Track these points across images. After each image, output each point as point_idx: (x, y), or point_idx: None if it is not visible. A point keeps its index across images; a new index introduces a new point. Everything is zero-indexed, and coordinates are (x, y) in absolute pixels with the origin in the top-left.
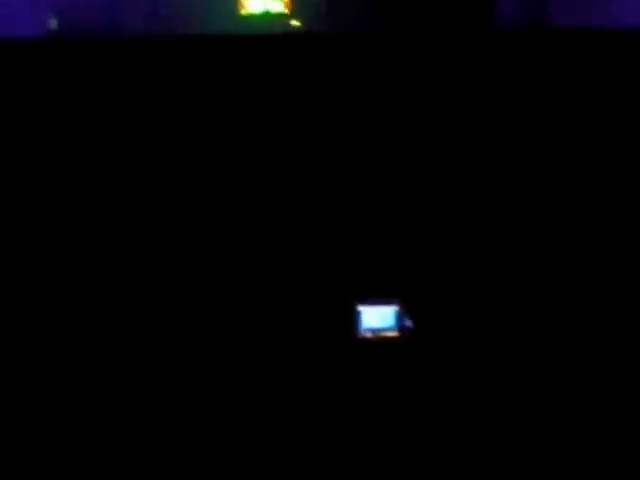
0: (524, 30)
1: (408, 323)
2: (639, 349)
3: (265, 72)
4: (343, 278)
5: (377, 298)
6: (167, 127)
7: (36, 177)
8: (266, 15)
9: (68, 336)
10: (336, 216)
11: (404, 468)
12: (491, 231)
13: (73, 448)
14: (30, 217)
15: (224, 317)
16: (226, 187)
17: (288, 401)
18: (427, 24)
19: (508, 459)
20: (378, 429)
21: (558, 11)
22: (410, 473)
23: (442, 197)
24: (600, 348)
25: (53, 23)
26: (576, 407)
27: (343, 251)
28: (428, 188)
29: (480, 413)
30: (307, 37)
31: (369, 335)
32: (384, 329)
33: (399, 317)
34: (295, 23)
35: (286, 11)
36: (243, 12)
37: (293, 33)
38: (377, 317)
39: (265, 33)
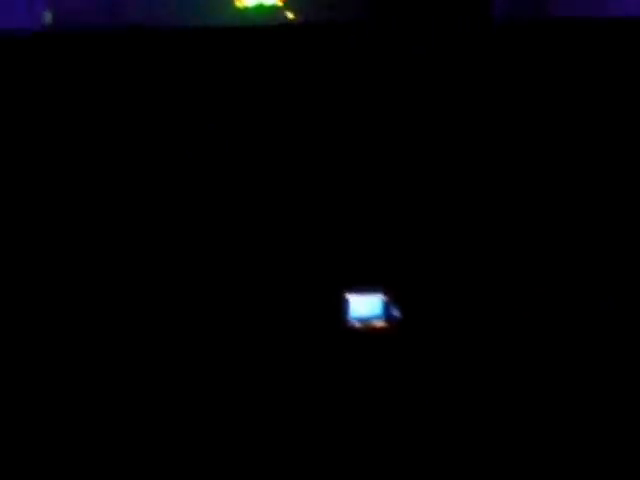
0: (522, 23)
1: (396, 312)
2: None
3: (260, 64)
4: (330, 266)
5: (365, 286)
6: (164, 120)
7: (33, 169)
8: (260, 8)
9: (67, 335)
10: (323, 205)
11: (394, 458)
12: (480, 220)
13: (73, 448)
14: (27, 205)
15: (213, 306)
16: (219, 179)
17: (277, 390)
18: (424, 16)
19: (500, 452)
20: (367, 419)
21: (556, 8)
22: (400, 462)
23: (430, 187)
24: (593, 334)
25: (48, 17)
26: (568, 396)
27: (330, 239)
28: (418, 178)
29: (470, 403)
30: (301, 28)
31: (357, 324)
32: (372, 318)
33: (387, 306)
34: (290, 15)
35: (280, 3)
36: (238, 4)
37: (287, 24)
38: (365, 306)
39: (260, 25)
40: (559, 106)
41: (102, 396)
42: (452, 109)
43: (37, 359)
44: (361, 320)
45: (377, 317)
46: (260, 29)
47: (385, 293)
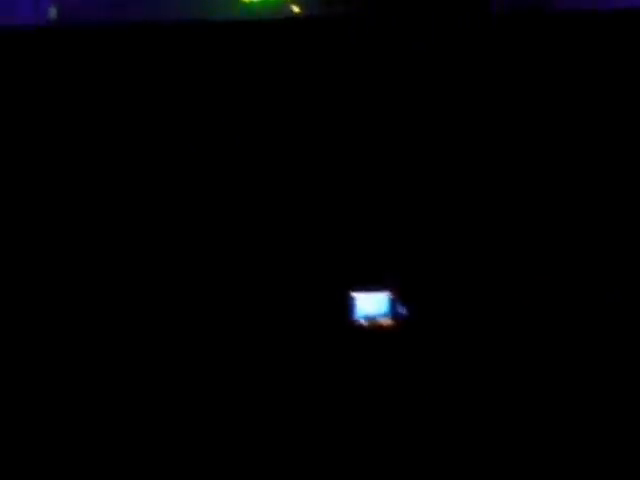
0: (522, 15)
1: (402, 309)
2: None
3: (266, 57)
4: (337, 266)
5: (371, 285)
6: (168, 113)
7: (36, 160)
8: (266, 2)
9: (67, 334)
10: (330, 204)
11: (397, 453)
12: (484, 218)
13: (73, 448)
14: (29, 192)
15: (220, 302)
16: (225, 175)
17: (284, 387)
18: (424, 11)
19: (503, 446)
20: (373, 415)
21: (561, 3)
22: (403, 457)
23: (436, 185)
24: (594, 328)
25: (53, 12)
26: (571, 386)
27: (337, 239)
28: (423, 176)
29: (475, 398)
30: (306, 22)
31: (363, 322)
32: (378, 316)
33: (393, 304)
34: (295, 9)
35: None
36: None
37: (293, 18)
38: (371, 304)
39: (265, 19)
40: (558, 100)
41: (102, 394)
42: (452, 103)
43: (37, 358)
44: (368, 318)
45: (384, 315)
46: (265, 23)
47: (391, 291)
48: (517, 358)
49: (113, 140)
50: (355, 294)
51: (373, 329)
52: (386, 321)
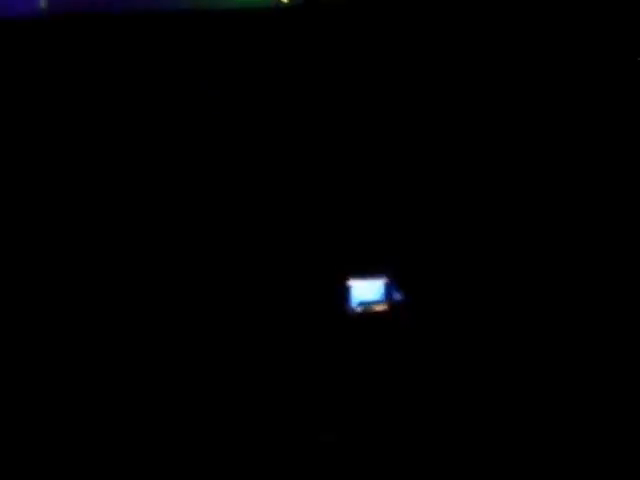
0: None
1: (397, 295)
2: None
3: (257, 47)
4: (333, 252)
5: (366, 272)
6: (161, 103)
7: (28, 151)
8: None
9: (67, 334)
10: (325, 192)
11: (395, 437)
12: (479, 205)
13: (73, 447)
14: (27, 182)
15: (219, 291)
16: (221, 162)
17: (281, 374)
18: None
19: (500, 434)
20: (370, 401)
21: None
22: (399, 444)
23: (430, 172)
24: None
25: (43, 1)
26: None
27: (333, 226)
28: (418, 163)
29: (470, 383)
30: (296, 11)
31: (359, 308)
32: (374, 302)
33: (388, 290)
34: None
35: None
36: None
37: (283, 8)
38: (367, 290)
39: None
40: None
41: (102, 394)
42: (448, 93)
43: (37, 358)
44: (363, 304)
45: (379, 301)
46: (256, 12)
47: (387, 277)
48: (513, 344)
49: (107, 130)
50: (351, 281)
51: (368, 315)
52: (381, 307)
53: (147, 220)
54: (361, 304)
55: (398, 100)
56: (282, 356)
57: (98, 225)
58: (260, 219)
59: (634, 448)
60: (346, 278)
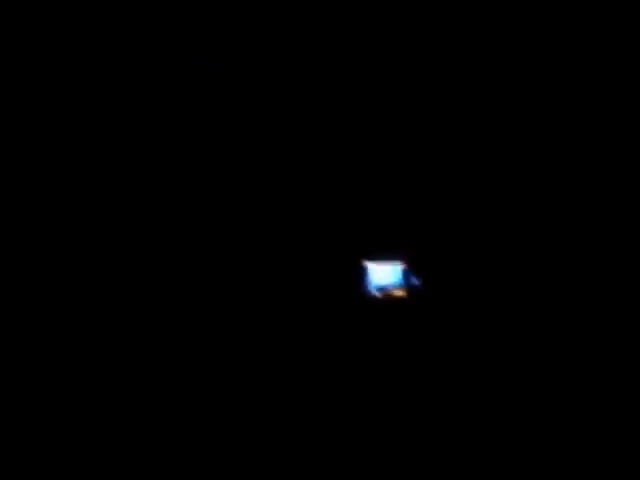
0: None
1: (415, 280)
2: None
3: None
4: (351, 237)
5: (384, 255)
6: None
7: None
8: None
9: (66, 333)
10: (343, 176)
11: (406, 418)
12: (496, 193)
13: (73, 447)
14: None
15: (238, 275)
16: (235, 148)
17: (298, 355)
18: None
19: (517, 418)
20: (384, 383)
21: None
22: (413, 423)
23: (450, 158)
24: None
25: None
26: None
27: (351, 211)
28: (437, 150)
29: (486, 369)
30: None
31: (377, 292)
32: (391, 286)
33: (406, 275)
34: None
35: None
36: None
37: None
38: (384, 274)
39: None
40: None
41: (101, 393)
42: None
43: (37, 357)
44: (381, 289)
45: (396, 285)
46: None
47: (404, 262)
48: (529, 326)
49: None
50: (368, 264)
51: (386, 299)
52: (398, 291)
53: (149, 200)
54: (379, 289)
55: (418, 87)
56: (299, 337)
57: (87, 212)
58: (279, 204)
59: (634, 447)
60: (364, 262)
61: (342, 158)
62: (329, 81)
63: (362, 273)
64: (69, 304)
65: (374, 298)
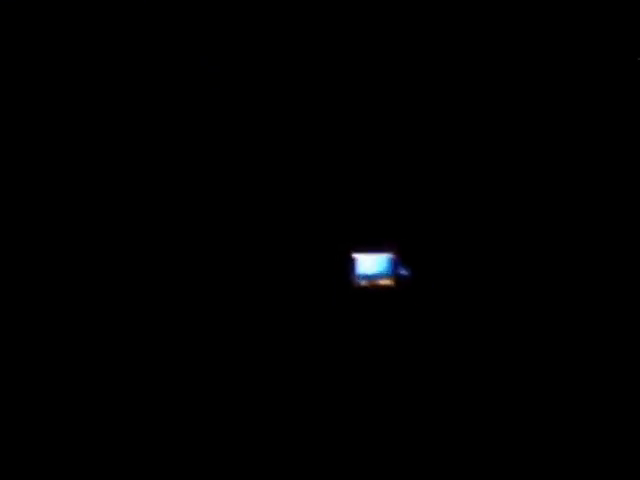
0: None
1: (403, 270)
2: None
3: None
4: (339, 227)
5: (372, 245)
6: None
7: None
8: None
9: (67, 335)
10: (332, 167)
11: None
12: (486, 182)
13: (73, 447)
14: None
15: (227, 266)
16: (235, 148)
17: (288, 345)
18: None
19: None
20: (374, 374)
21: None
22: (402, 413)
23: (438, 149)
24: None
25: None
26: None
27: (339, 201)
28: (426, 141)
29: (473, 358)
30: None
31: (364, 282)
32: (379, 276)
33: (393, 264)
34: None
35: None
36: None
37: None
38: (372, 264)
39: None
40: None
41: (102, 394)
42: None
43: (37, 358)
44: (368, 278)
45: (384, 275)
46: None
47: (392, 251)
48: (515, 319)
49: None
50: (356, 255)
51: (372, 288)
52: (386, 280)
53: (145, 195)
54: (365, 277)
55: (406, 80)
56: (288, 327)
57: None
58: (268, 194)
59: (633, 446)
60: (351, 252)
61: (331, 149)
62: (327, 79)
63: (349, 262)
64: (69, 304)
65: (361, 287)
